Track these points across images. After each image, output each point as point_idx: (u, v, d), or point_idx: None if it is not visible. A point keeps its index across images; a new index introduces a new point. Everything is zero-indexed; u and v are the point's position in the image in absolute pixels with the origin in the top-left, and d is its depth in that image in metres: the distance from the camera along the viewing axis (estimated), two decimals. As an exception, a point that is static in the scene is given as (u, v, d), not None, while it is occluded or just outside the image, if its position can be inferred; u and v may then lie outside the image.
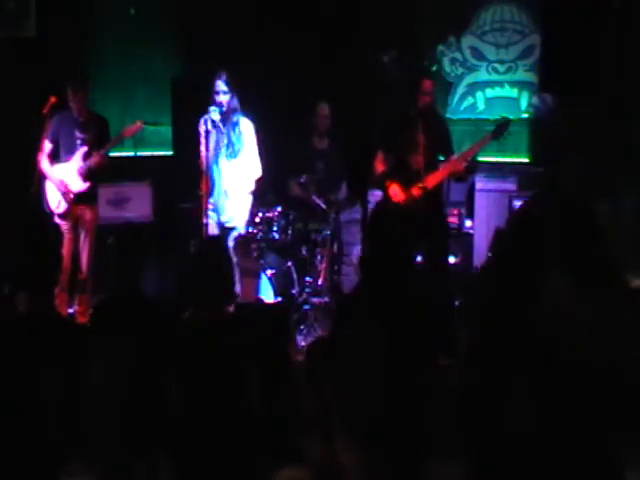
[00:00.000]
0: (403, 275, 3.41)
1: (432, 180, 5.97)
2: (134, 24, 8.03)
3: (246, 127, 6.21)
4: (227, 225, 6.27)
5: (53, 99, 6.29)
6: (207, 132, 5.95)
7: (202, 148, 5.93)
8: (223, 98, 6.06)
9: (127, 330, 3.64)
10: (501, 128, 6.06)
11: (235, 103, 6.13)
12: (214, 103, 6.05)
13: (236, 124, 6.16)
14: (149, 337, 3.63)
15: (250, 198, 6.34)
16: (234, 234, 6.29)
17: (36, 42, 7.70)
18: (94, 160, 6.36)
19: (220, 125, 6.07)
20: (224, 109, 6.06)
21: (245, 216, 6.35)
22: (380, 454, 3.15)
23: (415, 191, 6.00)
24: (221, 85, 6.06)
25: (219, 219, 6.23)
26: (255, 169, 6.25)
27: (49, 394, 3.24)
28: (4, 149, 7.17)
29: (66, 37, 7.74)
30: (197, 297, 3.62)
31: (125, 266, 3.79)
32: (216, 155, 6.14)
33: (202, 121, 6.01)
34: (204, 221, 5.98)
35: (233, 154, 6.18)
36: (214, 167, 6.14)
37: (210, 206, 6.09)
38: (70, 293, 6.46)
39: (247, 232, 6.45)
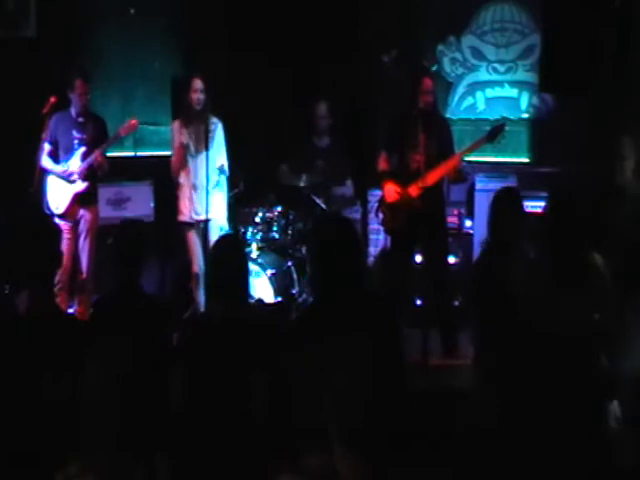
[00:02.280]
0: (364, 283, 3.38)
1: (430, 178, 5.98)
2: (134, 24, 8.02)
3: (216, 125, 6.47)
4: (202, 218, 6.33)
5: (53, 99, 6.30)
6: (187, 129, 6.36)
7: (181, 145, 6.35)
8: (200, 96, 6.29)
9: (126, 328, 3.63)
10: (495, 131, 6.08)
11: (208, 103, 6.35)
12: (192, 101, 6.29)
13: (209, 122, 6.37)
14: (148, 336, 3.63)
15: (224, 192, 6.51)
16: (215, 227, 6.37)
17: (36, 42, 7.70)
18: (92, 160, 6.36)
19: (203, 122, 6.21)
20: (199, 107, 6.28)
21: (223, 210, 6.43)
22: (377, 463, 3.14)
23: (413, 190, 6.00)
24: (199, 83, 6.31)
25: (194, 213, 6.40)
26: (221, 161, 6.51)
27: (49, 395, 3.23)
28: (4, 149, 7.16)
29: (66, 37, 7.73)
30: (216, 292, 3.60)
31: (125, 262, 3.79)
32: (190, 152, 6.40)
33: (180, 118, 6.38)
34: (179, 218, 6.42)
35: (205, 151, 6.29)
36: (203, 162, 6.33)
37: (186, 201, 6.39)
38: (70, 293, 6.46)
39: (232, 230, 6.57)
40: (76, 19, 7.91)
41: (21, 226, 3.61)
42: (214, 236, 6.37)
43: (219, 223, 6.46)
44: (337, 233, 3.31)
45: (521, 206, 4.51)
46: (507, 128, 6.21)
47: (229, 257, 3.62)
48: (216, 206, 6.41)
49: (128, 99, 8.06)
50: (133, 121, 6.53)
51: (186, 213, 6.45)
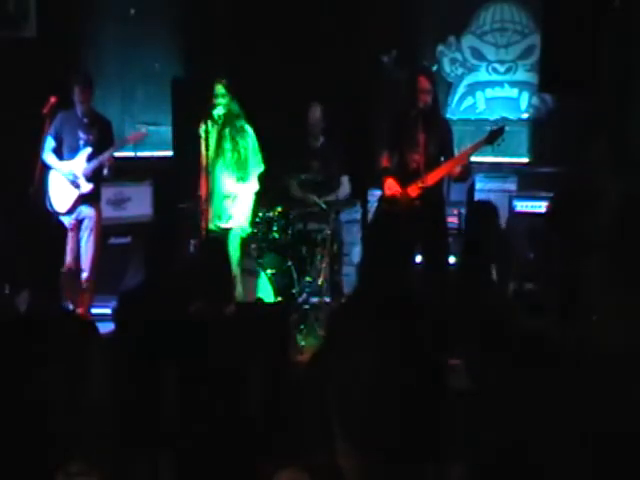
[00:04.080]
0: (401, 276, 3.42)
1: (430, 178, 5.97)
2: (134, 24, 8.03)
3: (248, 131, 6.34)
4: (226, 226, 6.30)
5: (53, 99, 6.29)
6: (207, 135, 6.10)
7: (202, 151, 6.07)
8: (221, 101, 6.15)
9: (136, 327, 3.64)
10: (495, 134, 6.08)
11: (236, 108, 6.22)
12: (212, 106, 6.15)
13: (239, 128, 6.27)
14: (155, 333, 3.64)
15: (252, 198, 6.40)
16: (236, 233, 6.33)
17: (36, 42, 7.71)
18: (99, 162, 6.37)
19: (221, 128, 6.15)
20: (223, 112, 6.16)
21: (247, 216, 6.40)
22: (380, 458, 3.14)
23: (412, 190, 6.00)
24: (220, 89, 6.16)
25: (219, 221, 6.28)
26: (257, 169, 6.37)
27: (50, 394, 3.23)
28: (4, 149, 7.17)
29: (66, 37, 7.74)
30: (197, 294, 3.62)
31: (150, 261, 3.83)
32: (217, 158, 6.23)
33: (202, 124, 6.14)
34: (202, 224, 6.11)
35: (234, 157, 6.22)
36: (214, 170, 6.20)
37: (210, 209, 6.16)
38: (72, 292, 6.46)
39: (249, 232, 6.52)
40: (76, 19, 7.91)
41: (22, 226, 3.61)
42: (233, 241, 6.34)
43: (241, 227, 6.41)
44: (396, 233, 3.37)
45: (496, 223, 4.55)
46: (507, 128, 6.22)
47: (212, 261, 3.64)
48: (242, 212, 6.35)
49: (128, 99, 8.07)
50: (143, 130, 6.59)
51: (211, 221, 6.33)
